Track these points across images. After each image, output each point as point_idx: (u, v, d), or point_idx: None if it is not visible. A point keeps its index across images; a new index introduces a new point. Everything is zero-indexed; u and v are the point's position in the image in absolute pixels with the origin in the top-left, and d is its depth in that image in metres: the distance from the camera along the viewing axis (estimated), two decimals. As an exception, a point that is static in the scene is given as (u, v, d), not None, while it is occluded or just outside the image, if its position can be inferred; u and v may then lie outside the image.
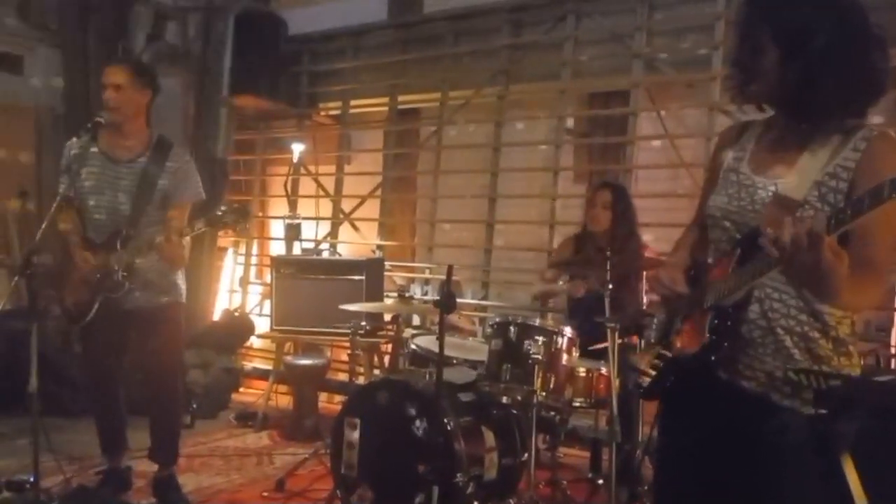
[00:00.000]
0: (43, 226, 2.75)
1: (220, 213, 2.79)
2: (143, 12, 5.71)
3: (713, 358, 1.64)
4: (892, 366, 3.12)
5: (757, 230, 1.60)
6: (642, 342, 2.62)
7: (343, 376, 5.27)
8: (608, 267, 2.92)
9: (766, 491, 1.44)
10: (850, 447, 1.16)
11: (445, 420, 2.85)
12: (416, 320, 4.64)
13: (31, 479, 2.70)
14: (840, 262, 1.33)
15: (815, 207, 1.55)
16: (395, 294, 3.52)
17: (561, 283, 3.68)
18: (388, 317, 4.53)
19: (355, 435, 3.03)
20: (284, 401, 4.97)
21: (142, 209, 3.02)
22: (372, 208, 5.54)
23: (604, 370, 3.11)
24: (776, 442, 1.41)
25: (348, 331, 3.58)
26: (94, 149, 3.05)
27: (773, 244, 1.36)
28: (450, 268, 2.80)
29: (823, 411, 1.21)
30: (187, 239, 2.87)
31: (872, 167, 1.50)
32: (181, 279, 3.21)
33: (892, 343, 3.44)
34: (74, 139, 3.07)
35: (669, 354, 1.79)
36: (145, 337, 3.13)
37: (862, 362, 3.09)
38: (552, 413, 3.26)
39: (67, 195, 2.97)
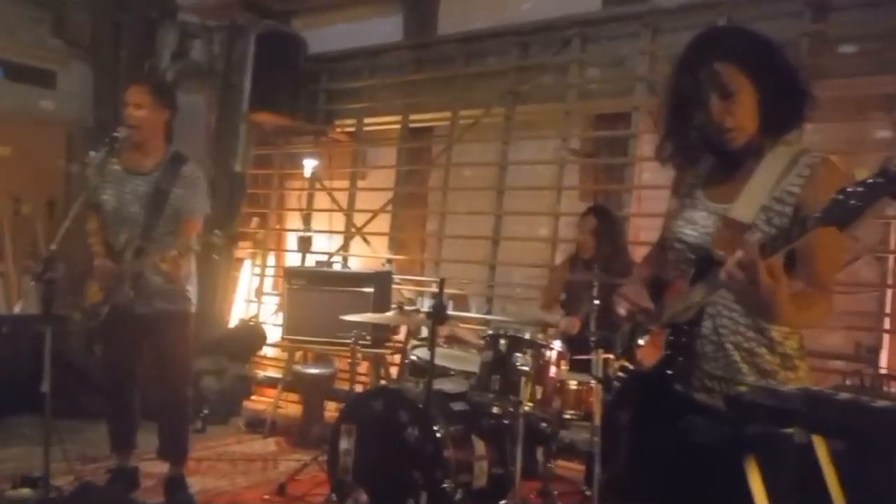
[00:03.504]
0: (61, 232, 2.92)
1: (213, 236, 2.96)
2: (169, 31, 5.95)
3: (669, 372, 1.74)
4: (883, 387, 3.16)
5: (709, 252, 1.71)
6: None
7: (355, 387, 5.39)
8: (594, 285, 3.02)
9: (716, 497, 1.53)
10: (753, 450, 1.25)
11: (435, 428, 2.96)
12: (424, 332, 4.74)
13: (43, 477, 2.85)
14: (778, 284, 1.42)
15: (761, 230, 1.65)
16: (396, 306, 3.64)
17: (559, 317, 3.79)
18: (402, 329, 4.67)
19: (351, 441, 3.15)
20: (294, 409, 5.11)
21: (154, 221, 3.18)
22: (383, 223, 5.69)
23: (594, 383, 3.20)
24: (722, 448, 1.49)
25: (349, 341, 3.70)
26: (114, 161, 3.23)
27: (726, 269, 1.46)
28: (442, 281, 2.92)
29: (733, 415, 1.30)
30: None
31: (815, 192, 1.60)
32: (193, 287, 3.36)
33: (882, 364, 3.47)
34: (93, 153, 3.26)
35: (632, 367, 1.90)
36: (156, 342, 3.29)
37: (848, 382, 3.15)
38: (544, 425, 3.35)
39: (90, 201, 3.16)
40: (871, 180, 1.18)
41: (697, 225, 1.78)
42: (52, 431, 2.84)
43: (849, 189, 1.21)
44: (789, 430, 1.15)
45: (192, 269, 3.28)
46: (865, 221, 1.18)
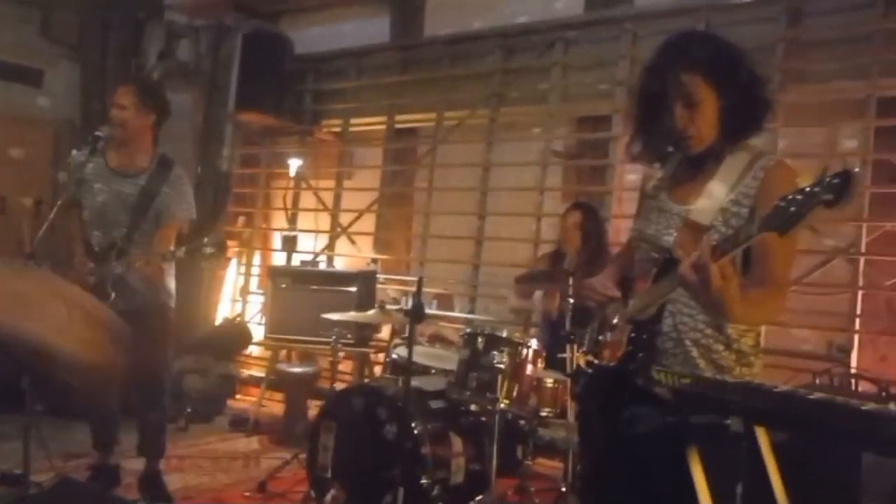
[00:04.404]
0: (43, 228, 2.94)
1: (203, 245, 2.99)
2: (156, 30, 5.98)
3: (631, 367, 1.79)
4: (852, 386, 3.22)
5: (670, 252, 1.76)
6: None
7: (337, 385, 5.42)
8: (570, 282, 3.07)
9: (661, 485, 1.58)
10: (695, 439, 1.30)
11: (413, 425, 3.00)
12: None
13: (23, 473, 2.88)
14: (728, 284, 1.48)
15: (720, 232, 1.71)
16: (378, 305, 3.68)
17: (535, 298, 3.83)
18: (386, 328, 4.70)
19: (330, 438, 3.19)
20: (278, 408, 5.14)
21: (137, 224, 3.19)
22: (369, 223, 5.73)
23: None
24: (666, 437, 1.55)
25: (329, 340, 3.73)
26: (100, 161, 3.25)
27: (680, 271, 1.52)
28: (420, 280, 2.97)
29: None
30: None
31: (768, 194, 1.65)
32: (171, 284, 3.37)
33: (854, 364, 3.54)
34: (75, 151, 3.28)
35: (597, 362, 1.95)
36: (135, 336, 3.30)
37: (818, 381, 3.21)
38: (522, 422, 3.39)
39: (72, 199, 3.18)
40: (808, 189, 1.23)
41: (660, 225, 1.84)
42: (33, 428, 2.86)
43: (789, 197, 1.26)
44: (727, 420, 1.21)
45: (172, 268, 3.30)
46: (803, 226, 1.23)
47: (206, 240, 3.03)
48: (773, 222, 1.28)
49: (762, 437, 1.21)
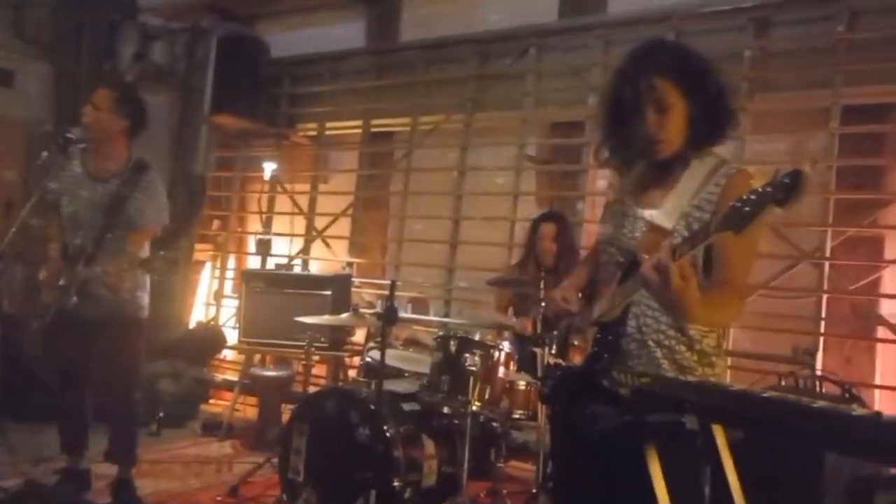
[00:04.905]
0: (13, 228, 2.92)
1: (156, 259, 2.98)
2: (130, 32, 5.94)
3: (596, 368, 1.83)
4: (816, 387, 3.29)
5: (634, 255, 1.80)
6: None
7: (310, 389, 5.42)
8: (542, 287, 3.11)
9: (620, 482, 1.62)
10: (652, 437, 1.34)
11: (385, 428, 3.02)
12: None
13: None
14: (687, 284, 1.52)
15: (682, 236, 1.75)
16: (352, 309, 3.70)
17: (512, 318, 3.88)
18: (361, 332, 4.70)
19: (303, 441, 3.19)
20: (251, 412, 5.12)
21: (109, 228, 3.15)
22: (344, 226, 5.73)
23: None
24: (625, 435, 1.58)
25: (303, 343, 3.74)
26: (75, 164, 3.25)
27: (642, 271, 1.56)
28: (393, 283, 2.99)
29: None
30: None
31: (729, 199, 1.69)
32: (145, 294, 3.35)
33: (819, 366, 3.62)
34: (45, 153, 3.26)
35: (564, 364, 1.99)
36: (103, 347, 3.28)
37: (783, 383, 3.28)
38: (495, 424, 3.42)
39: (44, 200, 3.16)
40: (761, 189, 1.28)
41: (625, 229, 1.88)
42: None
43: (744, 197, 1.31)
44: (683, 418, 1.24)
45: (145, 277, 3.29)
46: (757, 225, 1.27)
47: (161, 253, 3.01)
48: (729, 222, 1.33)
49: (719, 435, 1.25)
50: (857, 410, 1.06)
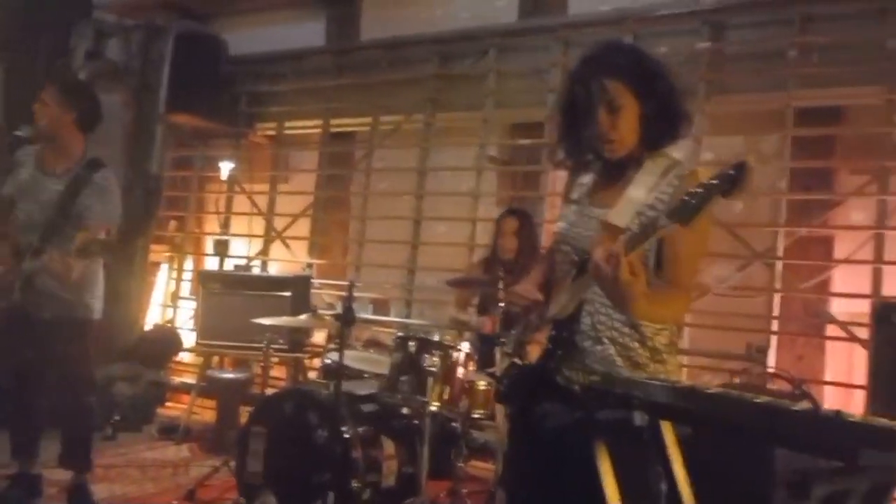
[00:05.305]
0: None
1: (92, 243, 2.86)
2: (85, 29, 5.81)
3: (552, 365, 1.84)
4: (768, 385, 3.37)
5: (588, 253, 1.82)
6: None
7: (269, 391, 5.36)
8: (501, 286, 3.12)
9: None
10: (602, 433, 1.36)
11: (343, 429, 3.00)
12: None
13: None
14: (636, 279, 1.55)
15: (634, 233, 1.77)
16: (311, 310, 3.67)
17: (472, 317, 3.88)
18: (322, 333, 4.65)
19: (260, 443, 3.15)
20: (209, 415, 5.04)
21: (58, 225, 3.08)
22: (304, 227, 5.69)
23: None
24: (575, 431, 1.60)
25: (262, 345, 3.70)
26: (30, 162, 3.19)
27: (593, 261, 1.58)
28: (351, 284, 2.97)
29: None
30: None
31: None
32: (97, 295, 3.28)
33: (771, 363, 3.70)
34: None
35: (521, 363, 1.99)
36: (54, 350, 3.20)
37: (736, 380, 3.34)
38: (455, 424, 3.42)
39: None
40: (708, 181, 1.31)
41: (581, 228, 1.90)
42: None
43: (692, 190, 1.33)
44: (631, 415, 1.26)
45: (98, 277, 3.23)
46: (705, 217, 1.31)
47: (102, 236, 2.92)
48: (677, 213, 1.36)
49: (667, 431, 1.26)
50: (797, 405, 1.09)
